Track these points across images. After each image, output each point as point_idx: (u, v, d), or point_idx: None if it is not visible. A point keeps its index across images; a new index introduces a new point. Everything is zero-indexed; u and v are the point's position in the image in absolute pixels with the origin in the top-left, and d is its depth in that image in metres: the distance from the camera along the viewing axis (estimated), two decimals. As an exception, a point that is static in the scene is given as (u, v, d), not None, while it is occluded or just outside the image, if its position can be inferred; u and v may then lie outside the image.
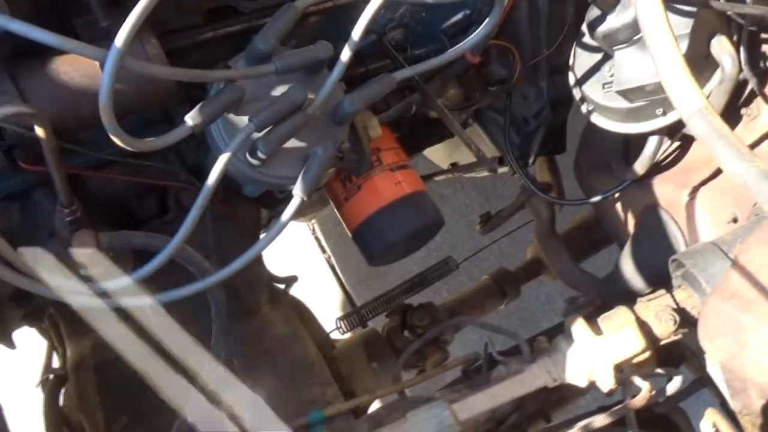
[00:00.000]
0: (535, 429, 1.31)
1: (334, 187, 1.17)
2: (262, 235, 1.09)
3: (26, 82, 0.78)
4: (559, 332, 1.13)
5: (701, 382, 1.19)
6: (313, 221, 2.50)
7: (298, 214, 1.62)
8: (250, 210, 1.17)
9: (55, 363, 1.37)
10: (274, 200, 1.21)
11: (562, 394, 1.19)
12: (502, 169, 1.59)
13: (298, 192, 0.83)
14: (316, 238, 2.56)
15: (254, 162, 0.85)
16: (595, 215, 1.71)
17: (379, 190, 1.13)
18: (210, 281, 0.84)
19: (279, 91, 0.87)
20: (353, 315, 1.50)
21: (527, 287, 1.79)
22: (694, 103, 0.66)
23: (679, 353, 1.20)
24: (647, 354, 0.88)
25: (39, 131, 0.73)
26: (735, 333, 0.66)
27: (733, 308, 0.66)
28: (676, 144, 1.09)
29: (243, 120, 0.85)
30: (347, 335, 1.66)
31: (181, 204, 1.08)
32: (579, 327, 0.88)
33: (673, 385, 0.96)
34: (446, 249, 2.44)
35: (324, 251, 2.56)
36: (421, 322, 1.58)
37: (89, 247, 0.81)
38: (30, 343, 1.42)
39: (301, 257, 2.51)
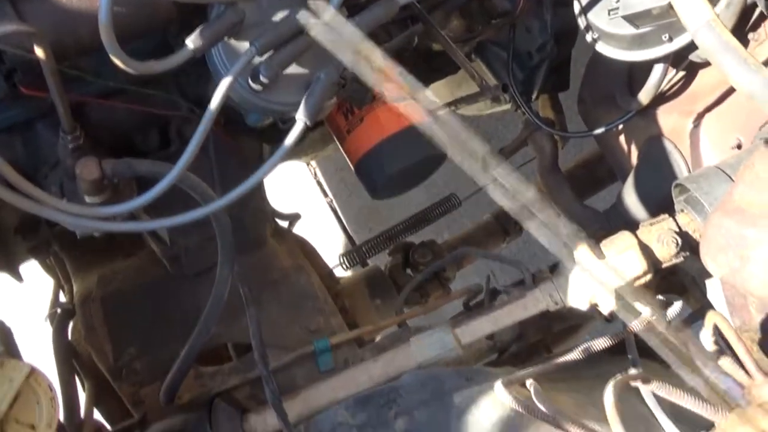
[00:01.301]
0: (536, 359, 1.34)
1: (336, 120, 1.16)
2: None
3: (24, 4, 0.77)
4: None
5: (699, 313, 1.21)
6: (314, 165, 2.50)
7: (299, 153, 1.63)
8: (252, 144, 1.17)
9: (62, 300, 1.39)
10: (277, 135, 1.20)
11: (565, 324, 1.21)
12: (504, 106, 1.58)
13: (301, 116, 0.83)
14: (318, 182, 2.56)
15: (256, 87, 0.84)
16: (598, 154, 1.71)
17: (381, 121, 1.12)
18: (214, 206, 0.84)
19: (281, 15, 0.86)
20: (356, 251, 1.51)
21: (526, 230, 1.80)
22: (702, 16, 0.65)
23: (679, 285, 1.22)
24: (648, 277, 0.88)
25: (38, 52, 0.72)
26: (738, 248, 0.66)
27: (736, 223, 0.66)
28: (681, 73, 1.08)
29: (244, 45, 0.84)
30: (349, 272, 1.68)
31: (183, 136, 1.07)
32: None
33: (674, 310, 0.97)
34: (447, 192, 2.44)
35: (326, 195, 2.56)
36: (424, 260, 1.59)
37: (93, 174, 0.81)
38: (38, 279, 1.44)
39: (303, 201, 2.51)
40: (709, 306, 1.13)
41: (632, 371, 0.75)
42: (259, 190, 1.18)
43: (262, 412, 0.97)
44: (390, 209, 2.57)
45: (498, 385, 0.80)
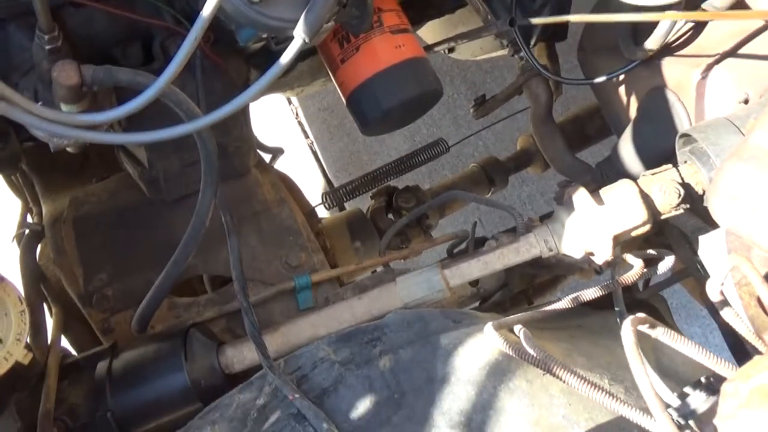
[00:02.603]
0: (518, 309, 1.32)
1: (330, 48, 1.10)
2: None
3: None
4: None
5: (684, 273, 1.20)
6: (296, 105, 2.43)
7: (285, 85, 1.56)
8: (240, 66, 1.10)
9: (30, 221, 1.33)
10: (267, 60, 1.14)
11: (550, 275, 1.19)
12: (500, 52, 1.53)
13: (299, 33, 0.77)
14: (299, 123, 2.50)
15: (252, -1, 0.78)
16: (591, 109, 1.68)
17: (378, 52, 1.07)
18: (199, 124, 0.79)
19: None
20: (339, 191, 1.47)
21: (508, 186, 1.77)
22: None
23: (662, 245, 1.20)
24: (647, 227, 0.86)
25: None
26: (751, 196, 0.64)
27: (752, 170, 0.64)
28: (690, 23, 1.04)
29: (241, -50, 0.77)
30: (329, 213, 1.64)
31: (167, 53, 1.01)
32: (581, 195, 0.86)
33: (665, 265, 0.95)
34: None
35: (307, 136, 2.50)
36: (407, 204, 1.56)
37: (71, 79, 0.75)
38: (3, 198, 1.38)
39: (282, 141, 2.45)
40: (696, 265, 1.12)
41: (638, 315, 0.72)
42: (244, 116, 1.12)
43: (239, 345, 0.94)
44: (372, 155, 2.53)
45: (488, 327, 0.78)
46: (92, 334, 1.11)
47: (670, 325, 1.16)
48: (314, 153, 2.45)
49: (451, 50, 1.65)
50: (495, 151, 2.43)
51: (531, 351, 0.75)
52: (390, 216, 1.59)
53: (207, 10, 0.74)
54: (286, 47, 0.81)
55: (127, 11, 0.91)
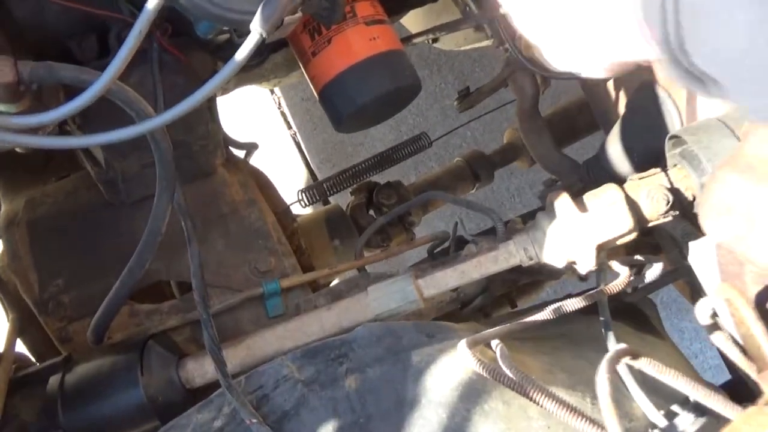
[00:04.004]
0: (499, 314, 1.27)
1: (300, 40, 1.04)
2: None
3: None
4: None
5: (672, 275, 1.15)
6: (279, 94, 2.36)
7: (260, 77, 1.49)
8: (204, 60, 1.04)
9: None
10: (234, 52, 1.08)
11: (533, 279, 1.14)
12: (484, 42, 1.46)
13: (256, 27, 0.71)
14: (282, 113, 2.43)
15: (208, -11, 0.72)
16: (578, 103, 1.62)
17: (351, 45, 1.00)
18: (151, 124, 0.73)
19: None
20: (317, 187, 1.41)
21: (497, 178, 1.72)
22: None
23: (650, 246, 1.15)
24: (633, 235, 0.81)
25: None
26: (746, 210, 0.58)
27: (747, 182, 0.58)
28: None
29: (194, -64, 0.71)
30: (309, 209, 1.58)
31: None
32: (563, 202, 0.80)
33: (653, 272, 0.90)
34: (418, 132, 2.35)
35: (290, 127, 2.43)
36: (388, 201, 1.50)
37: (6, 77, 0.68)
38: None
39: (264, 132, 2.38)
40: (685, 270, 1.07)
41: (620, 346, 0.67)
42: (210, 112, 1.05)
43: (200, 358, 0.88)
44: (356, 146, 2.46)
45: (461, 345, 0.73)
46: (52, 341, 1.05)
47: (659, 331, 1.11)
48: (297, 144, 2.38)
49: (435, 40, 1.58)
50: (483, 142, 2.37)
51: (507, 371, 0.70)
52: (371, 213, 1.53)
53: (153, 2, 0.67)
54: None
55: (80, 2, 0.84)
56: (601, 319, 0.89)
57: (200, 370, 0.88)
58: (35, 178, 1.24)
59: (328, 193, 1.43)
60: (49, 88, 0.81)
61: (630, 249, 1.05)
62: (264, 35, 0.70)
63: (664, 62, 0.45)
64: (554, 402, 0.66)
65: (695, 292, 1.16)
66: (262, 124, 2.41)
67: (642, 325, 1.11)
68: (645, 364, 0.62)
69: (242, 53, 0.70)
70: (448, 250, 1.13)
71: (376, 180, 1.57)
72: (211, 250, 1.02)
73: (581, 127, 1.58)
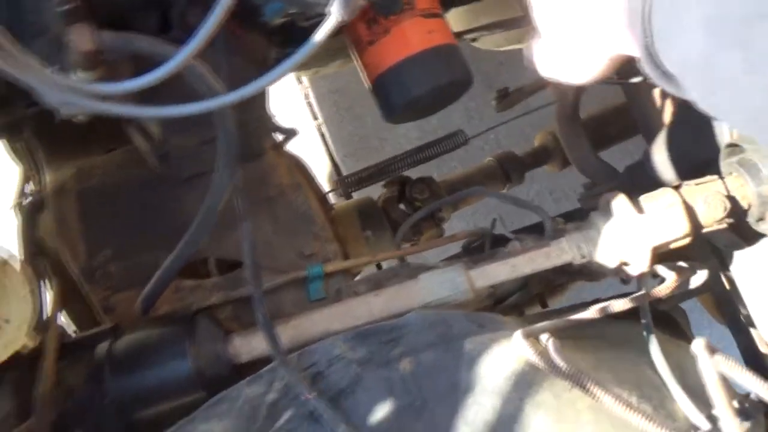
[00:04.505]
0: (531, 312, 1.28)
1: (357, 29, 1.04)
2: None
3: None
4: (575, 217, 1.07)
5: (706, 285, 1.16)
6: (307, 85, 2.37)
7: (302, 66, 1.50)
8: (260, 43, 1.05)
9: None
10: (290, 38, 1.09)
11: (571, 279, 1.15)
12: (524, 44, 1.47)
13: (335, 10, 0.72)
14: (309, 104, 2.43)
15: (286, -31, 0.73)
16: (617, 108, 1.62)
17: (408, 36, 1.01)
18: (223, 100, 0.74)
19: None
20: (352, 177, 1.42)
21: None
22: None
23: (682, 255, 1.16)
24: (687, 240, 0.82)
25: None
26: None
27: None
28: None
29: None
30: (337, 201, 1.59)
31: (186, 22, 0.95)
32: (620, 202, 0.81)
33: (698, 279, 0.91)
34: (441, 131, 2.36)
35: (316, 118, 2.44)
36: (421, 195, 1.51)
37: (87, 45, 0.69)
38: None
39: (291, 123, 2.39)
40: (721, 280, 1.08)
41: (698, 340, 0.69)
42: (263, 96, 1.06)
43: (247, 334, 0.90)
44: (380, 140, 2.47)
45: (517, 335, 0.74)
46: (92, 312, 1.06)
47: (690, 339, 1.12)
48: (322, 135, 2.39)
49: (473, 39, 1.59)
50: (506, 146, 2.37)
51: (561, 364, 0.71)
52: (401, 207, 1.54)
53: (239, -21, 0.68)
54: (315, 24, 0.76)
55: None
56: (643, 321, 0.90)
57: (247, 346, 0.89)
58: (77, 148, 1.25)
59: (364, 183, 1.44)
60: (122, 59, 0.82)
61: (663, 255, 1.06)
62: (346, 18, 0.71)
63: (645, 63, 0.54)
64: (608, 394, 0.67)
65: (725, 303, 1.18)
66: (289, 115, 2.42)
67: (675, 333, 1.12)
68: (722, 360, 0.64)
69: (321, 34, 0.72)
70: (482, 247, 1.14)
71: (407, 176, 1.58)
72: (258, 231, 1.03)
73: (615, 134, 1.59)
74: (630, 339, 0.96)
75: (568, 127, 1.34)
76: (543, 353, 0.74)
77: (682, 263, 0.94)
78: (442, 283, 0.86)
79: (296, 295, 1.01)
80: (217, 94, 0.76)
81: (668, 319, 1.15)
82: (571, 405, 0.73)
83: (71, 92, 0.67)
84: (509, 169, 1.62)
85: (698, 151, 1.00)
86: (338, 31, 1.15)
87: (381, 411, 0.70)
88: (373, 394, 0.72)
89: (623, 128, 1.54)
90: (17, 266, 0.62)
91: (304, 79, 2.35)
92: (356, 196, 1.55)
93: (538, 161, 1.66)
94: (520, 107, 1.70)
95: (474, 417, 0.69)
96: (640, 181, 1.12)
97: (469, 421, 0.69)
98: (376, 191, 1.56)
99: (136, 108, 0.71)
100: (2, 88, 0.84)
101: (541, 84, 1.42)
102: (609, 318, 0.99)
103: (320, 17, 0.76)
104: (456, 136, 1.50)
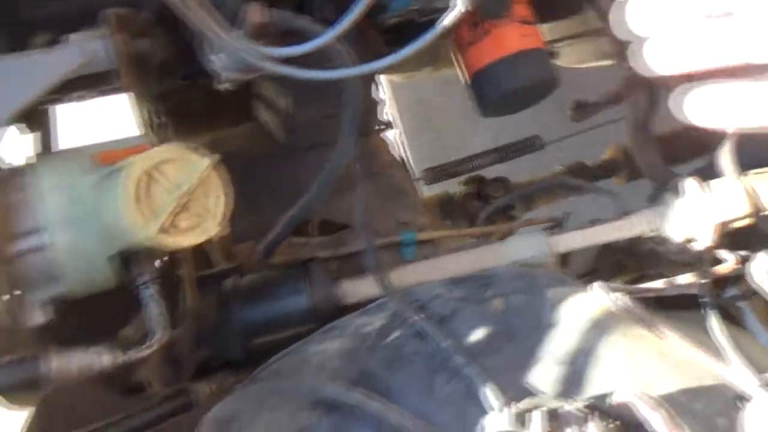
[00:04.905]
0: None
1: (460, 30, 1.20)
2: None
3: None
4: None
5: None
6: (389, 96, 2.53)
7: (401, 67, 1.66)
8: (377, 40, 1.21)
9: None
10: (398, 36, 1.25)
11: (637, 266, 1.26)
12: (606, 62, 1.60)
13: (461, 1, 0.87)
14: (388, 113, 2.60)
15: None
16: (682, 131, 1.72)
17: (506, 38, 1.16)
18: (353, 71, 0.89)
19: None
20: (438, 168, 1.56)
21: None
22: None
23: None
24: (748, 220, 0.93)
25: None
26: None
27: None
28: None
29: None
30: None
31: (320, 8, 1.11)
32: (690, 183, 0.93)
33: (760, 265, 1.01)
34: (507, 138, 2.46)
35: (395, 126, 2.60)
36: (496, 194, 1.64)
37: (262, 18, 0.86)
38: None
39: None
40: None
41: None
42: (370, 83, 1.22)
43: (354, 280, 1.04)
44: (455, 150, 2.60)
45: (596, 285, 0.86)
46: (207, 259, 1.21)
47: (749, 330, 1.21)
48: (401, 143, 2.54)
49: (553, 55, 1.72)
50: (561, 157, 2.46)
51: (634, 307, 0.82)
52: (477, 203, 1.67)
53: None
54: (431, 19, 0.91)
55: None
56: (705, 300, 1.01)
57: (353, 290, 1.03)
58: (205, 123, 1.43)
59: (447, 176, 1.58)
60: (277, 33, 0.98)
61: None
62: (468, 8, 0.86)
63: None
64: (676, 333, 0.78)
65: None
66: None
67: (734, 323, 1.21)
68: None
69: (447, 20, 0.86)
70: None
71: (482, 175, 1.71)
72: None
73: (683, 154, 1.68)
74: (687, 319, 1.06)
75: (641, 135, 1.45)
76: (619, 299, 0.85)
77: (741, 252, 1.04)
78: (527, 245, 0.99)
79: (392, 257, 1.15)
80: (354, 64, 0.91)
81: (727, 312, 1.24)
82: (641, 350, 0.84)
83: (246, 53, 0.83)
84: (581, 176, 1.73)
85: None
86: (445, 35, 1.31)
87: (477, 335, 0.83)
88: (470, 322, 0.84)
89: (690, 151, 1.63)
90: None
91: (385, 85, 2.50)
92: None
93: (607, 172, 1.76)
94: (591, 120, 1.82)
95: (556, 347, 0.81)
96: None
97: (551, 350, 0.81)
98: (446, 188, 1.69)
99: (297, 70, 0.86)
100: (170, 54, 1.01)
101: (617, 98, 1.53)
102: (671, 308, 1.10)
103: (436, 14, 0.91)
104: (533, 141, 1.62)
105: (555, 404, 0.69)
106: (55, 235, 0.75)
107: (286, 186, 1.17)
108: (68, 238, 0.75)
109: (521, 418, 0.67)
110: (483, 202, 1.67)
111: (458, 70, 1.25)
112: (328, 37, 0.87)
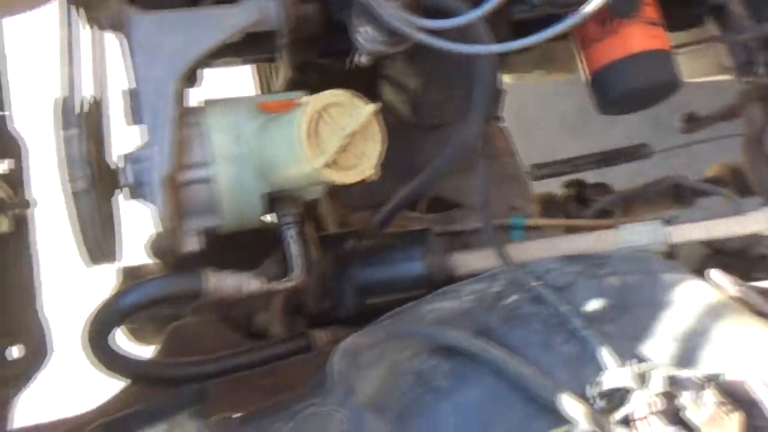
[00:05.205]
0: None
1: (588, 26, 1.23)
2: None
3: None
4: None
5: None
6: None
7: (512, 65, 1.71)
8: (508, 30, 1.25)
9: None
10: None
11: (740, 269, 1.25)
12: (720, 76, 1.60)
13: (604, -8, 0.91)
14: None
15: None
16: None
17: (632, 37, 1.19)
18: (496, 48, 0.94)
19: None
20: (545, 167, 1.60)
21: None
22: None
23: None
24: None
25: None
26: None
27: None
28: None
29: None
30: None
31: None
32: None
33: None
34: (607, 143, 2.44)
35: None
36: (596, 198, 1.66)
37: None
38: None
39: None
40: None
41: None
42: (500, 69, 1.26)
43: (465, 253, 1.09)
44: (556, 153, 2.62)
45: (713, 271, 0.88)
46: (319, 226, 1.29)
47: None
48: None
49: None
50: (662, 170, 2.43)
51: (750, 293, 0.84)
52: (576, 206, 1.69)
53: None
54: (569, 9, 0.96)
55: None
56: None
57: (464, 262, 1.09)
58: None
59: (552, 174, 1.61)
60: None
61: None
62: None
63: None
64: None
65: None
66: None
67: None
68: None
69: (591, 7, 0.91)
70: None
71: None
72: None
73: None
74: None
75: (755, 150, 1.45)
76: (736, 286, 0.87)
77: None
78: (642, 233, 1.01)
79: (501, 238, 1.19)
80: (493, 42, 0.97)
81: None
82: (750, 336, 0.86)
83: (402, 22, 0.89)
84: (682, 191, 1.73)
85: None
86: (564, 35, 1.35)
87: (593, 305, 0.86)
88: (586, 293, 0.88)
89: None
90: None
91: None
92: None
93: (711, 190, 1.75)
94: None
95: (670, 324, 0.84)
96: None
97: (666, 327, 0.83)
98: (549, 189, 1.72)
99: (445, 42, 0.92)
100: (320, 29, 1.09)
101: (731, 112, 1.53)
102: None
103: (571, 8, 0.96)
104: (640, 149, 1.63)
105: (673, 371, 0.72)
106: (219, 170, 0.84)
107: (403, 163, 1.23)
108: (230, 173, 0.84)
109: (641, 377, 0.70)
110: (582, 205, 1.69)
111: (579, 66, 1.29)
112: (475, 14, 0.93)
